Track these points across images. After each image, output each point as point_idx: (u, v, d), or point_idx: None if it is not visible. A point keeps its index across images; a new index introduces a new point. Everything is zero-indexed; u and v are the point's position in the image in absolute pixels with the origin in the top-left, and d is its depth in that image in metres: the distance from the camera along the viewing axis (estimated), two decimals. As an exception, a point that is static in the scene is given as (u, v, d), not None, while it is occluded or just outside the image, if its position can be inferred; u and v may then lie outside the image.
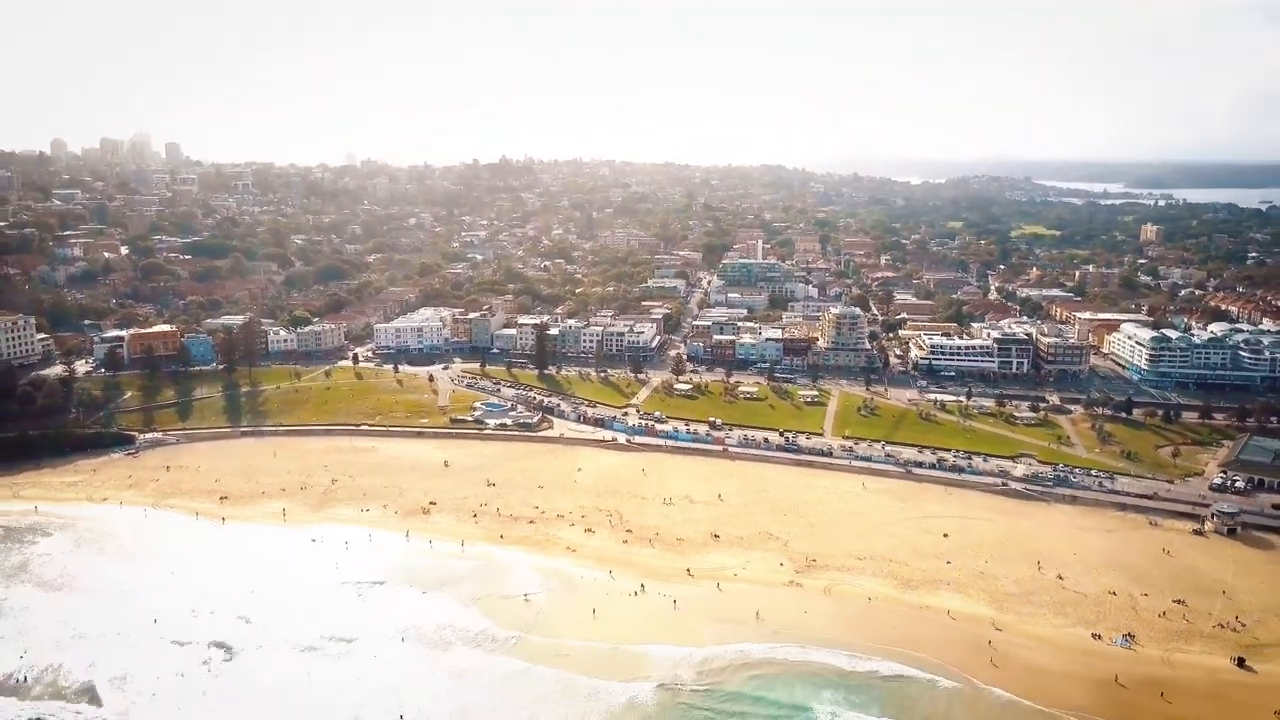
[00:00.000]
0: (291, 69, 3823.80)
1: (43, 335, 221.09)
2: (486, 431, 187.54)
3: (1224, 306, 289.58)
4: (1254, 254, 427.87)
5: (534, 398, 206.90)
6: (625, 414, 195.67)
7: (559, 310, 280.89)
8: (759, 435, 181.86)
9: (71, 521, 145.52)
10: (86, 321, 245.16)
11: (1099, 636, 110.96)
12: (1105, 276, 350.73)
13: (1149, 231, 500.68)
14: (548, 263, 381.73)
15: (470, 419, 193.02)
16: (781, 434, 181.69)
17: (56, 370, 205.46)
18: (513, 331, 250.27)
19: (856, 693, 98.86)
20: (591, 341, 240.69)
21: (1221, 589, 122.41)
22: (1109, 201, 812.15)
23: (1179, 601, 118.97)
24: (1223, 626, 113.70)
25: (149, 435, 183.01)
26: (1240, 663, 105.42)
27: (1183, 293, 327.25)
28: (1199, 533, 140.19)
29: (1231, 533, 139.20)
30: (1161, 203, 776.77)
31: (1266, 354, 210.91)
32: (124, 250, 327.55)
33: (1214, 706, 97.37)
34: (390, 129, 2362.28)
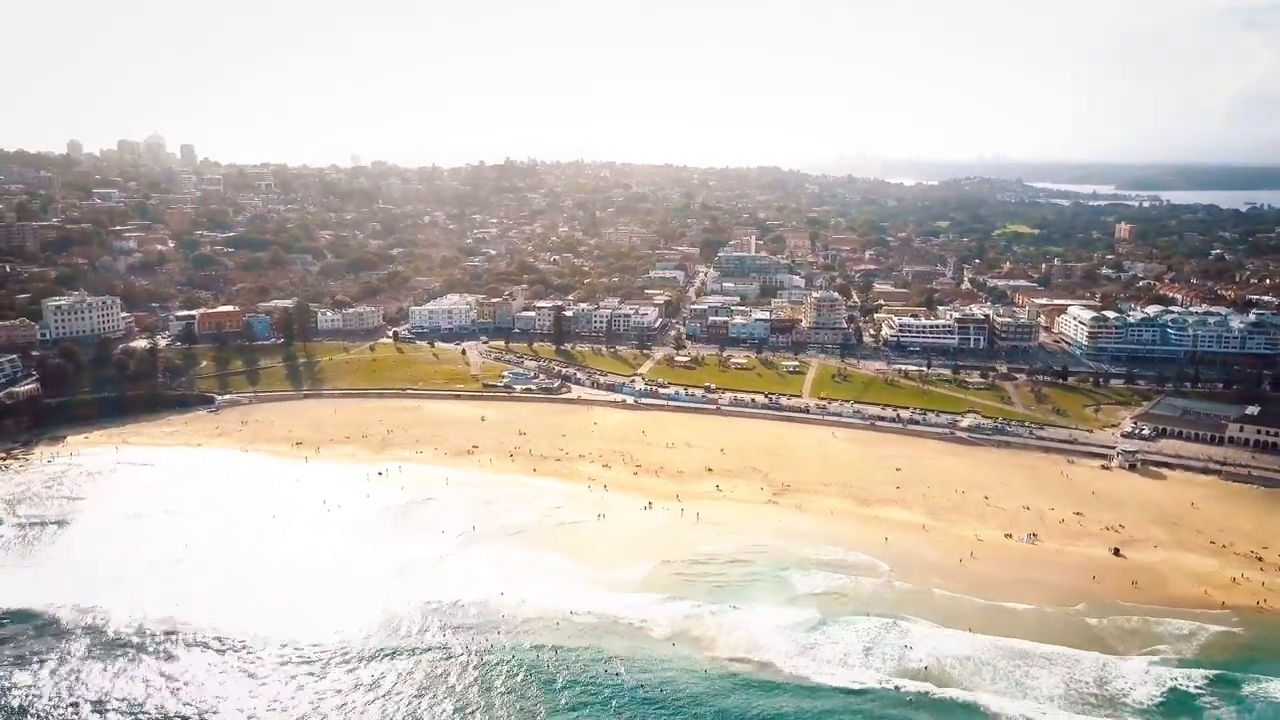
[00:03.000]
0: (292, 70, 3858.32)
1: (124, 314, 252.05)
2: (515, 394, 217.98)
3: (1171, 294, 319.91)
4: (1217, 250, 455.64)
5: (553, 368, 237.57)
6: (633, 381, 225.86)
7: (569, 297, 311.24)
8: (747, 397, 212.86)
9: (181, 460, 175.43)
10: (154, 304, 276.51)
11: (1010, 536, 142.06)
12: (1069, 269, 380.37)
13: (1123, 230, 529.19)
14: (556, 256, 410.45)
15: (500, 384, 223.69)
16: (766, 395, 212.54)
17: (141, 343, 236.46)
18: (532, 314, 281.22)
19: (818, 567, 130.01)
20: (602, 322, 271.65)
21: (1113, 505, 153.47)
22: (1096, 203, 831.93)
23: (1078, 513, 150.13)
24: (1108, 529, 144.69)
25: (226, 396, 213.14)
26: (1116, 552, 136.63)
27: (1140, 283, 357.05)
28: (1105, 468, 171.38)
29: (1132, 468, 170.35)
30: (1146, 204, 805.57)
31: (1189, 331, 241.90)
32: (170, 244, 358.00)
33: (1092, 577, 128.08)
34: (392, 129, 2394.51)
